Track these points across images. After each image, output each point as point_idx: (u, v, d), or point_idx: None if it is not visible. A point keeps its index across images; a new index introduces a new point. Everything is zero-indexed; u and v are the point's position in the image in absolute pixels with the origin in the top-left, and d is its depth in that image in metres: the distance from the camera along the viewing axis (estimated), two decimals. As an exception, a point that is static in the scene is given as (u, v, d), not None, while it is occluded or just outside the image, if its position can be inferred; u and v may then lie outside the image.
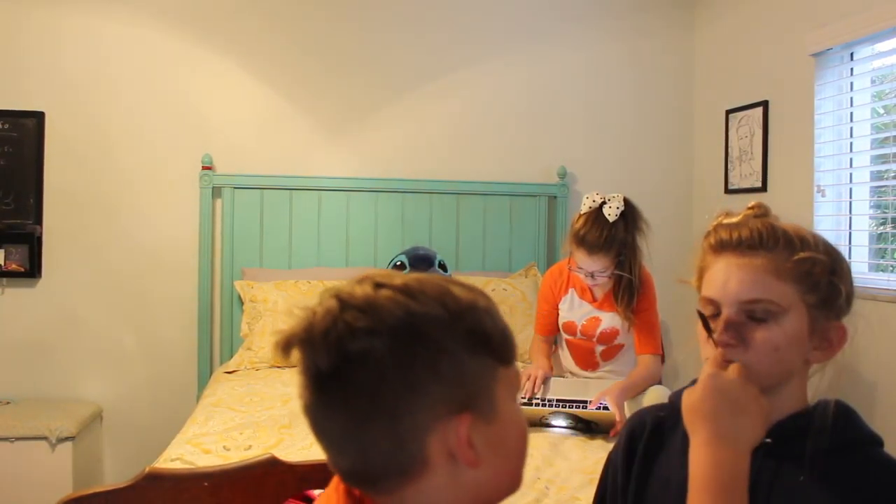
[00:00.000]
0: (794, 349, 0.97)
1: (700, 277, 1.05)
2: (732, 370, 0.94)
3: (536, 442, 2.15)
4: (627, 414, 2.27)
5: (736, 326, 0.97)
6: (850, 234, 2.94)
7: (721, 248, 1.01)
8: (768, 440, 0.98)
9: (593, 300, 2.64)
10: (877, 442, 0.99)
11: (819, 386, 1.03)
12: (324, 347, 0.67)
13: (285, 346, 0.69)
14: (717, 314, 1.00)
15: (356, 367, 0.67)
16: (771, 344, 0.96)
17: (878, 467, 0.96)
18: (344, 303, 0.69)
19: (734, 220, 1.03)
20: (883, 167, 2.83)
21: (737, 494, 0.87)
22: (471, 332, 0.70)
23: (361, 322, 0.67)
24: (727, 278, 0.99)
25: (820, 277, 0.97)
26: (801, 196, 3.04)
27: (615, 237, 2.45)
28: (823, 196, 2.99)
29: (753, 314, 0.97)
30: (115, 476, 3.36)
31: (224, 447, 2.06)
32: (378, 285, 0.70)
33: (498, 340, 0.72)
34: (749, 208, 1.05)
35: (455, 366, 0.69)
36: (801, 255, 0.97)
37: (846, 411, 1.00)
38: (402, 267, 3.16)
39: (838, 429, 0.97)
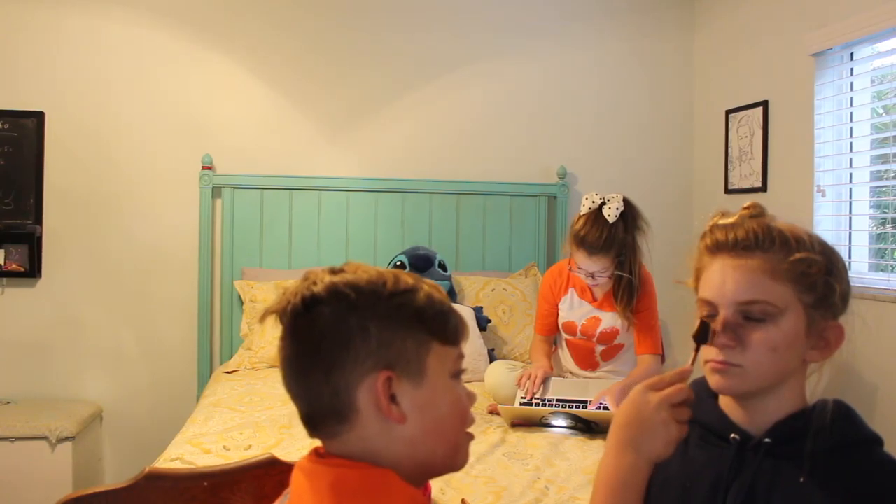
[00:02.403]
0: (791, 349, 0.98)
1: (697, 278, 1.05)
2: (660, 393, 0.97)
3: (536, 442, 2.15)
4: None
5: (733, 328, 0.98)
6: (850, 234, 2.94)
7: (717, 249, 1.02)
8: (767, 440, 0.99)
9: (593, 300, 2.64)
10: (876, 441, 0.99)
11: (818, 385, 1.03)
12: (289, 314, 0.83)
13: (262, 315, 0.85)
14: (714, 315, 1.00)
15: (306, 328, 0.82)
16: (768, 344, 0.96)
17: (878, 467, 0.96)
18: (308, 281, 0.84)
19: (730, 220, 1.03)
20: (883, 167, 2.83)
21: (630, 495, 0.96)
22: (402, 306, 0.83)
23: (315, 293, 0.82)
24: (724, 280, 0.99)
25: (816, 277, 0.97)
26: (801, 196, 3.04)
27: (615, 237, 2.45)
28: (823, 196, 2.99)
29: (750, 315, 0.97)
30: (115, 476, 3.36)
31: (224, 447, 2.06)
32: (338, 271, 0.85)
33: (433, 319, 0.84)
34: (745, 208, 1.05)
35: (383, 331, 0.81)
36: (797, 255, 0.97)
37: (845, 411, 1.00)
38: (402, 267, 3.17)
39: (837, 428, 0.97)
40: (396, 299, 0.83)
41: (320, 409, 0.82)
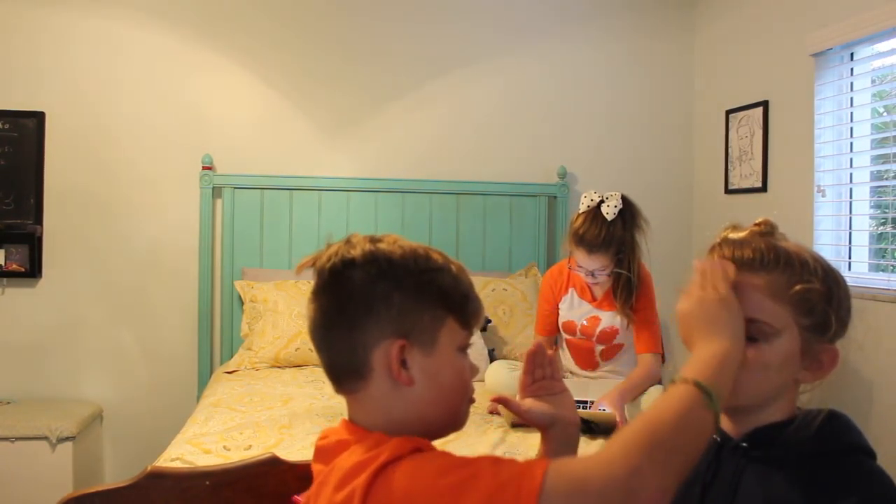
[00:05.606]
0: (783, 369, 0.99)
1: None
2: (713, 285, 0.96)
3: (536, 442, 2.14)
4: (627, 416, 2.27)
5: None
6: (850, 234, 2.94)
7: None
8: (744, 444, 1.01)
9: (593, 299, 2.64)
10: (865, 451, 0.99)
11: (815, 391, 1.05)
12: (326, 271, 0.92)
13: (300, 266, 0.94)
14: None
15: (335, 287, 0.91)
16: (761, 363, 0.97)
17: (860, 475, 0.96)
18: (348, 244, 0.93)
19: (740, 235, 1.04)
20: (883, 167, 2.83)
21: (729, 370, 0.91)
22: (428, 283, 0.91)
23: (349, 257, 0.91)
24: None
25: (816, 303, 0.98)
26: (801, 196, 3.04)
27: (613, 235, 2.46)
28: (823, 196, 2.99)
29: (747, 333, 0.98)
30: (115, 476, 3.36)
31: (224, 447, 2.06)
32: (377, 240, 0.93)
33: (455, 299, 0.93)
34: (756, 224, 1.06)
35: (405, 301, 0.89)
36: (800, 280, 0.98)
37: (836, 420, 1.01)
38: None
39: (822, 436, 0.98)
40: (424, 276, 0.91)
41: (340, 363, 0.92)
